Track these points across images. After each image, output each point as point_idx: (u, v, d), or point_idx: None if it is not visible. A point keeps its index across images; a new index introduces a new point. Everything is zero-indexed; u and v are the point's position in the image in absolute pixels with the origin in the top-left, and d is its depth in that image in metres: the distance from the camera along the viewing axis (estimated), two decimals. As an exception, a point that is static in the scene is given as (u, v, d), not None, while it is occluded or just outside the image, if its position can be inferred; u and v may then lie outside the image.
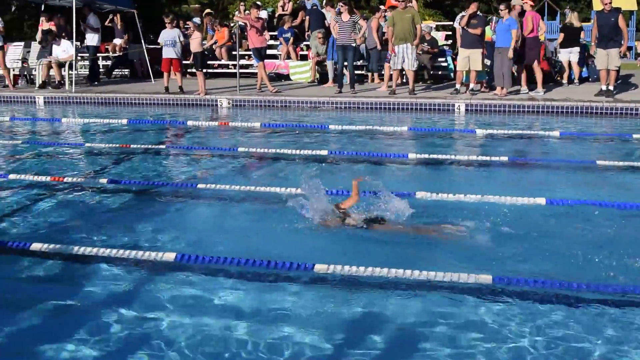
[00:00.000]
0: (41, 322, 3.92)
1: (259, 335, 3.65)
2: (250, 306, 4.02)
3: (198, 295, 4.20)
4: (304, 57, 17.78)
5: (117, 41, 19.61)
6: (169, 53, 14.61)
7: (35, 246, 5.01)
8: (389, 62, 14.27)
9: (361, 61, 16.75)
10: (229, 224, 5.74)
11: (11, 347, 3.64)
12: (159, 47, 15.14)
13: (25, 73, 17.48)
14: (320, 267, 4.42)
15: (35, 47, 17.31)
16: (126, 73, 20.12)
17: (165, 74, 14.89)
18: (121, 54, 19.40)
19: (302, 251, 4.90)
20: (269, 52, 16.33)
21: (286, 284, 4.36)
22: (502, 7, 13.33)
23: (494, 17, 14.25)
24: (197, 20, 18.52)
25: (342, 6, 14.30)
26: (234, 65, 17.51)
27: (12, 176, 7.31)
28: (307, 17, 17.99)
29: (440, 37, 18.08)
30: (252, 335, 3.66)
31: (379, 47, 15.40)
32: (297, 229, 5.32)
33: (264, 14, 18.20)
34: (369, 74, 16.83)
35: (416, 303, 4.07)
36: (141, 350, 3.52)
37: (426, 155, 8.46)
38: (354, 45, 14.35)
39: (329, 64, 16.22)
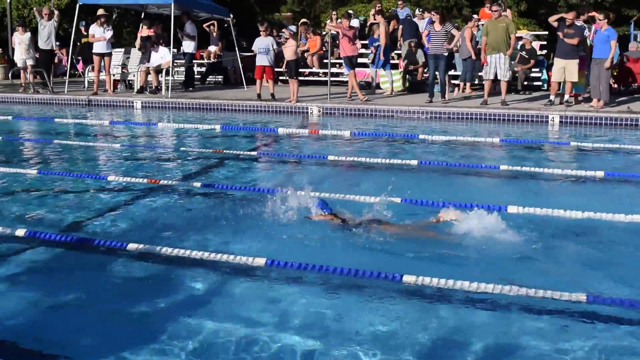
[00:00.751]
0: (132, 322, 4.05)
1: (344, 343, 3.67)
2: (336, 314, 4.04)
3: (285, 301, 4.25)
4: (394, 66, 17.74)
5: (212, 48, 20.09)
6: (262, 60, 14.86)
7: (131, 246, 5.20)
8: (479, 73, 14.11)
9: (453, 71, 16.59)
10: (318, 232, 5.78)
11: (104, 344, 3.77)
12: (252, 54, 15.42)
13: (125, 78, 18.10)
14: (409, 279, 4.41)
15: (135, 53, 17.93)
16: (220, 80, 20.58)
17: (258, 81, 15.15)
18: (215, 61, 19.86)
19: (387, 261, 4.90)
20: (360, 60, 16.38)
21: (372, 293, 4.36)
22: (600, 17, 12.98)
23: (593, 27, 13.85)
24: (292, 28, 18.77)
25: (434, 15, 14.22)
26: (325, 73, 17.68)
27: (110, 178, 7.59)
28: (400, 26, 17.96)
29: (535, 47, 17.73)
30: (335, 343, 3.68)
31: (473, 56, 15.24)
32: (385, 239, 5.32)
33: (355, 23, 18.31)
34: (461, 84, 16.67)
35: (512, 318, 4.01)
36: (229, 353, 3.59)
37: (518, 168, 8.30)
38: (445, 54, 14.25)
39: (372, 71, 16.27)
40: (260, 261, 4.77)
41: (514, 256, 5.00)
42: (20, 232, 5.59)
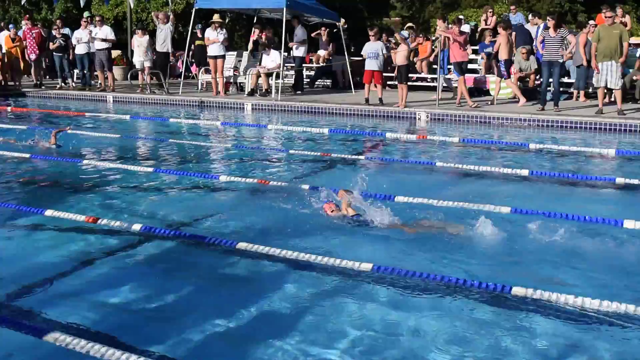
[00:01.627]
0: (237, 320, 4.13)
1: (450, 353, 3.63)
2: (443, 324, 4.00)
3: (390, 308, 4.24)
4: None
5: (322, 52, 20.30)
6: (371, 65, 14.88)
7: (241, 245, 5.31)
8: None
9: (566, 78, 16.10)
10: (425, 239, 5.74)
11: (206, 341, 3.87)
12: (361, 58, 15.47)
13: (236, 81, 18.53)
14: (518, 290, 4.31)
15: (246, 56, 18.34)
16: (328, 83, 20.75)
17: (367, 86, 15.19)
18: (325, 64, 20.04)
19: (496, 271, 4.81)
20: (469, 66, 16.15)
21: (479, 304, 4.29)
22: None
23: None
24: (405, 33, 18.73)
25: (549, 20, 13.85)
26: (433, 79, 17.54)
27: (222, 177, 7.79)
28: (513, 33, 17.57)
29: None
30: (439, 350, 3.65)
31: (584, 63, 14.75)
32: (494, 249, 5.23)
33: (466, 28, 18.07)
34: (574, 92, 16.14)
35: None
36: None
37: (636, 181, 7.96)
38: (560, 61, 13.84)
39: (440, 78, 15.95)
40: (367, 266, 4.77)
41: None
42: (137, 227, 5.82)
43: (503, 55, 14.79)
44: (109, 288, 4.68)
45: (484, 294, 4.39)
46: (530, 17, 18.06)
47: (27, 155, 9.13)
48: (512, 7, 19.85)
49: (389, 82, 18.19)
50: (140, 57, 17.83)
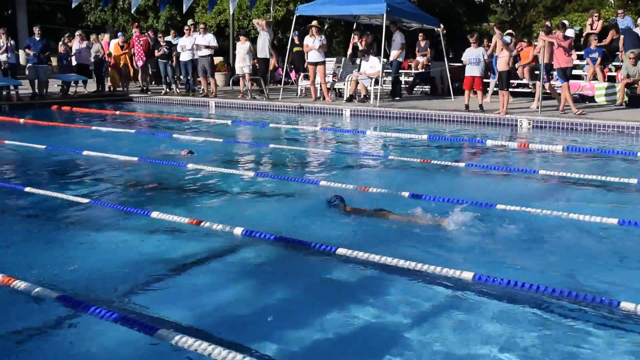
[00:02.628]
0: (335, 325, 4.15)
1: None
2: (547, 341, 3.90)
3: (491, 318, 4.17)
4: (611, 79, 16.80)
5: (420, 58, 20.18)
6: (472, 71, 14.69)
7: (341, 251, 5.34)
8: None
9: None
10: (530, 248, 5.62)
11: (305, 345, 3.91)
12: (460, 64, 15.29)
13: (335, 87, 18.64)
14: (627, 305, 4.16)
15: (345, 62, 18.42)
16: (427, 89, 20.60)
17: (467, 92, 15.01)
18: (423, 70, 19.91)
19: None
20: (574, 72, 15.69)
21: (587, 320, 4.16)
22: None
23: None
24: (507, 39, 18.39)
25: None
26: (534, 85, 17.14)
27: (322, 183, 7.85)
28: (621, 37, 16.98)
29: None
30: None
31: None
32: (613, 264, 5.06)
33: (570, 33, 17.58)
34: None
35: None
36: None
37: None
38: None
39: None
40: (468, 275, 4.71)
41: None
42: (238, 230, 5.94)
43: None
44: (211, 289, 4.81)
45: (587, 306, 4.26)
46: (639, 21, 17.40)
47: (135, 159, 9.47)
48: (619, 11, 19.18)
49: (487, 89, 17.89)
50: (241, 64, 18.21)
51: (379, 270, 5.03)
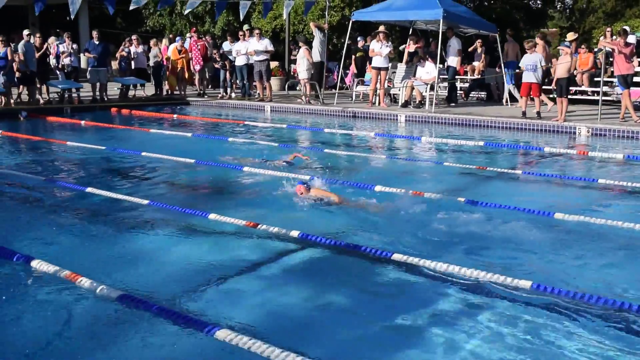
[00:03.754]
0: (388, 329, 4.17)
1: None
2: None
3: (549, 329, 4.12)
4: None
5: (476, 64, 20.00)
6: (529, 77, 14.49)
7: (397, 257, 5.34)
8: None
9: None
10: (585, 257, 5.53)
11: (358, 348, 3.93)
12: (517, 70, 15.09)
13: (390, 92, 18.60)
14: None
15: (401, 68, 18.37)
16: (482, 96, 20.40)
17: (523, 98, 14.83)
18: (479, 76, 19.73)
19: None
20: (635, 79, 15.36)
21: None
22: None
23: None
24: (567, 44, 18.12)
25: None
26: (594, 92, 16.83)
27: (377, 187, 7.84)
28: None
29: None
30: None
31: None
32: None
33: (632, 39, 17.20)
34: None
35: None
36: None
37: None
38: None
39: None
40: (526, 284, 4.66)
41: None
42: (294, 233, 5.99)
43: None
44: (266, 290, 4.87)
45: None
46: None
47: (192, 161, 9.62)
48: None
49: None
50: (297, 68, 18.30)
51: (435, 277, 5.01)
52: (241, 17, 18.55)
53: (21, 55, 16.52)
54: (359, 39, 19.86)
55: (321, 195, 7.30)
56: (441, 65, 17.46)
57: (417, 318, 4.32)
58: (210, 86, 21.94)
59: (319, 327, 4.28)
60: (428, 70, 16.70)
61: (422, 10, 16.60)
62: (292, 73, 20.97)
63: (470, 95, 20.35)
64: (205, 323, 4.06)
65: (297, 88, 20.08)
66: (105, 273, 5.13)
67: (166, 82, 20.66)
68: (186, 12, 21.71)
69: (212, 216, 6.60)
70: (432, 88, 16.48)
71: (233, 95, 19.84)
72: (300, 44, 18.53)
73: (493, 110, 16.26)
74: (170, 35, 28.07)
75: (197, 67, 20.29)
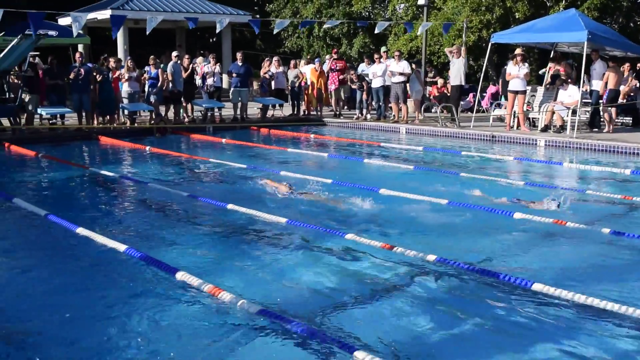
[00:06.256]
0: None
1: None
2: None
3: None
4: None
5: (622, 88, 19.14)
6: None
7: (537, 287, 5.19)
8: None
9: None
10: None
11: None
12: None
13: (529, 116, 18.12)
14: None
15: (540, 91, 17.88)
16: (628, 121, 19.49)
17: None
18: (625, 101, 18.87)
19: None
20: None
21: None
22: None
23: None
24: None
25: None
26: None
27: (517, 215, 7.64)
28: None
29: None
30: None
31: None
32: None
33: None
34: None
35: None
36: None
37: None
38: None
39: None
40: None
41: None
42: (431, 257, 5.95)
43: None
44: (401, 313, 4.89)
45: None
46: None
47: (329, 181, 9.75)
48: None
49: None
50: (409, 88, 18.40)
51: (575, 310, 4.84)
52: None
53: (170, 76, 17.38)
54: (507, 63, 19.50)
55: (273, 185, 9.28)
56: (584, 89, 16.85)
57: (553, 351, 4.18)
58: (345, 107, 22.19)
59: (450, 351, 4.24)
60: (570, 94, 16.16)
61: (565, 32, 16.13)
62: (427, 95, 20.87)
63: (616, 120, 19.47)
64: (343, 342, 4.10)
65: (433, 110, 19.95)
66: (243, 287, 5.30)
67: (303, 102, 21.08)
68: (325, 27, 22.10)
69: (348, 236, 6.68)
70: (573, 112, 15.92)
71: (369, 116, 19.98)
72: (413, 65, 18.55)
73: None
74: (308, 57, 28.69)
75: (333, 87, 20.61)
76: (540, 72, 21.77)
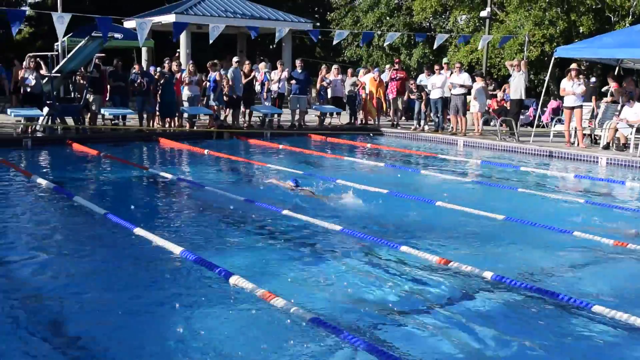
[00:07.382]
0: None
1: None
2: None
3: None
4: None
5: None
6: None
7: (597, 309, 5.07)
8: None
9: None
10: None
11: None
12: None
13: (591, 133, 17.76)
14: None
15: (604, 108, 17.51)
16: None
17: None
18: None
19: None
20: None
21: None
22: None
23: None
24: None
25: None
26: None
27: (576, 233, 7.49)
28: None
29: None
30: None
31: None
32: None
33: None
34: None
35: None
36: None
37: None
38: None
39: None
40: None
41: None
42: (487, 274, 5.87)
43: None
44: (453, 330, 4.83)
45: None
46: None
47: (385, 191, 9.70)
48: None
49: None
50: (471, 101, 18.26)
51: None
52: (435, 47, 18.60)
53: (230, 81, 17.58)
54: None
55: (306, 194, 9.26)
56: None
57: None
58: (403, 117, 22.10)
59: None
60: (636, 111, 15.77)
61: (631, 48, 15.80)
62: (487, 108, 20.66)
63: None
64: (394, 357, 4.07)
65: (492, 123, 19.73)
66: (297, 293, 5.31)
67: (361, 111, 21.06)
68: (385, 44, 22.13)
69: (403, 248, 6.64)
70: (638, 131, 15.53)
71: (426, 127, 19.86)
72: (477, 78, 18.34)
73: None
74: (369, 66, 28.70)
75: (391, 96, 20.56)
76: (604, 89, 21.33)
